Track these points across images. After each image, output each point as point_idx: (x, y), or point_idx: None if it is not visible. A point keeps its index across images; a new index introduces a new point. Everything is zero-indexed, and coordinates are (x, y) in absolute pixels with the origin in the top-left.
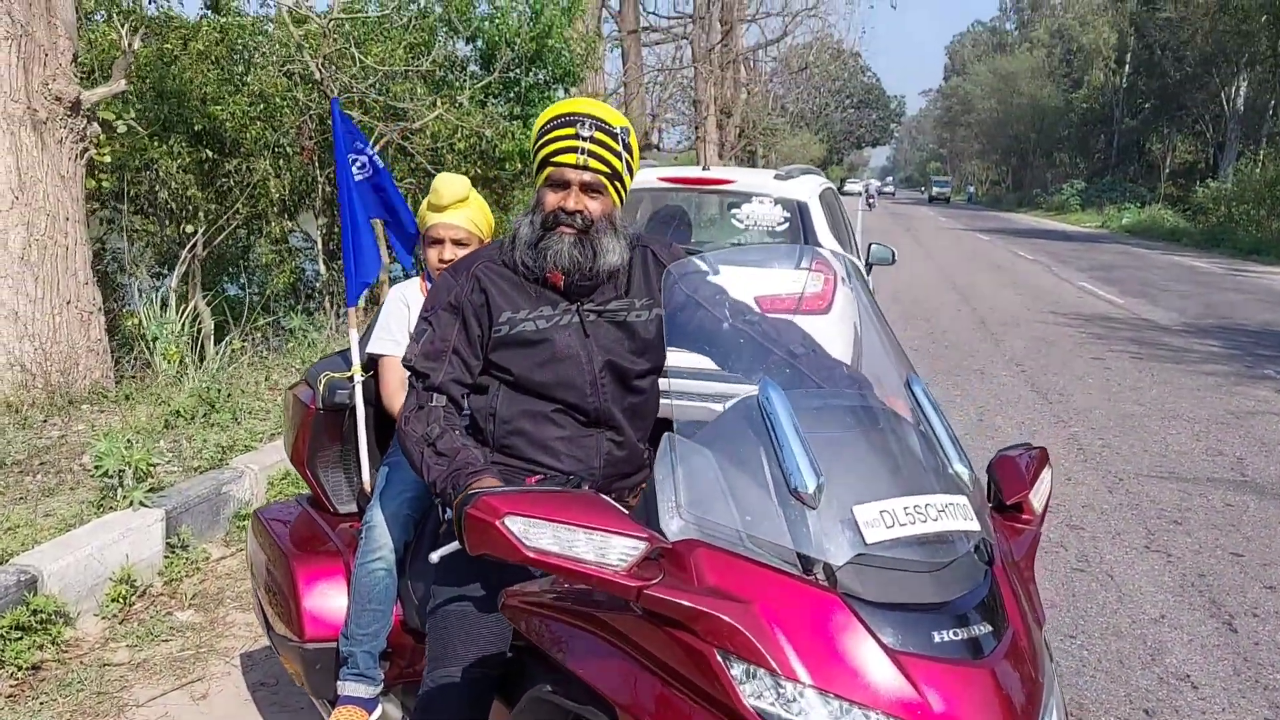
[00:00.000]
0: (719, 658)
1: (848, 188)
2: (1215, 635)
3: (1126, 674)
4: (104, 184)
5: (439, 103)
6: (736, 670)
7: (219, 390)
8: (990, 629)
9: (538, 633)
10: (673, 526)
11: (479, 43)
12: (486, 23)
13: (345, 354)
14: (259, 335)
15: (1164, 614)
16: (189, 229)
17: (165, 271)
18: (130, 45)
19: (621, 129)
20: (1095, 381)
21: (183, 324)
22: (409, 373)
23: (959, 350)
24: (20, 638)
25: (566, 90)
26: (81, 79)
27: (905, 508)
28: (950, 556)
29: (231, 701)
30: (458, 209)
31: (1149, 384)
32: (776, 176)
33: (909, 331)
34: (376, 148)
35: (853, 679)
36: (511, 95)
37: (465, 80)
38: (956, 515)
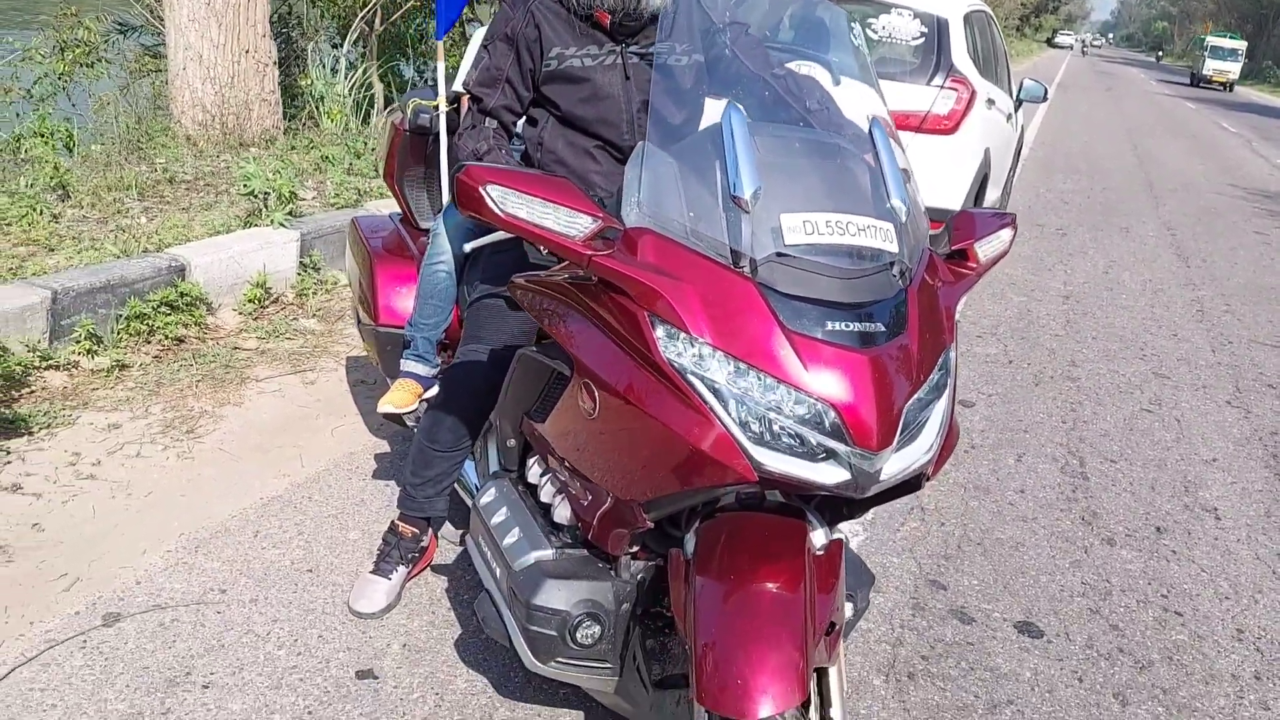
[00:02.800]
0: (647, 318)
1: (1058, 39)
2: (1260, 482)
3: (1154, 498)
4: None
5: None
6: (660, 331)
7: (365, 144)
8: (884, 330)
9: (532, 306)
10: (631, 215)
11: None
12: None
13: (437, 85)
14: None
15: (1216, 458)
16: None
17: (343, 41)
18: None
19: None
20: (1246, 254)
21: (351, 89)
22: (467, 95)
23: (1112, 207)
24: (169, 313)
25: None
26: None
27: (828, 221)
28: (866, 270)
29: (334, 390)
30: None
31: None
32: None
33: (1067, 185)
34: None
35: (750, 346)
36: None
37: None
38: (877, 236)
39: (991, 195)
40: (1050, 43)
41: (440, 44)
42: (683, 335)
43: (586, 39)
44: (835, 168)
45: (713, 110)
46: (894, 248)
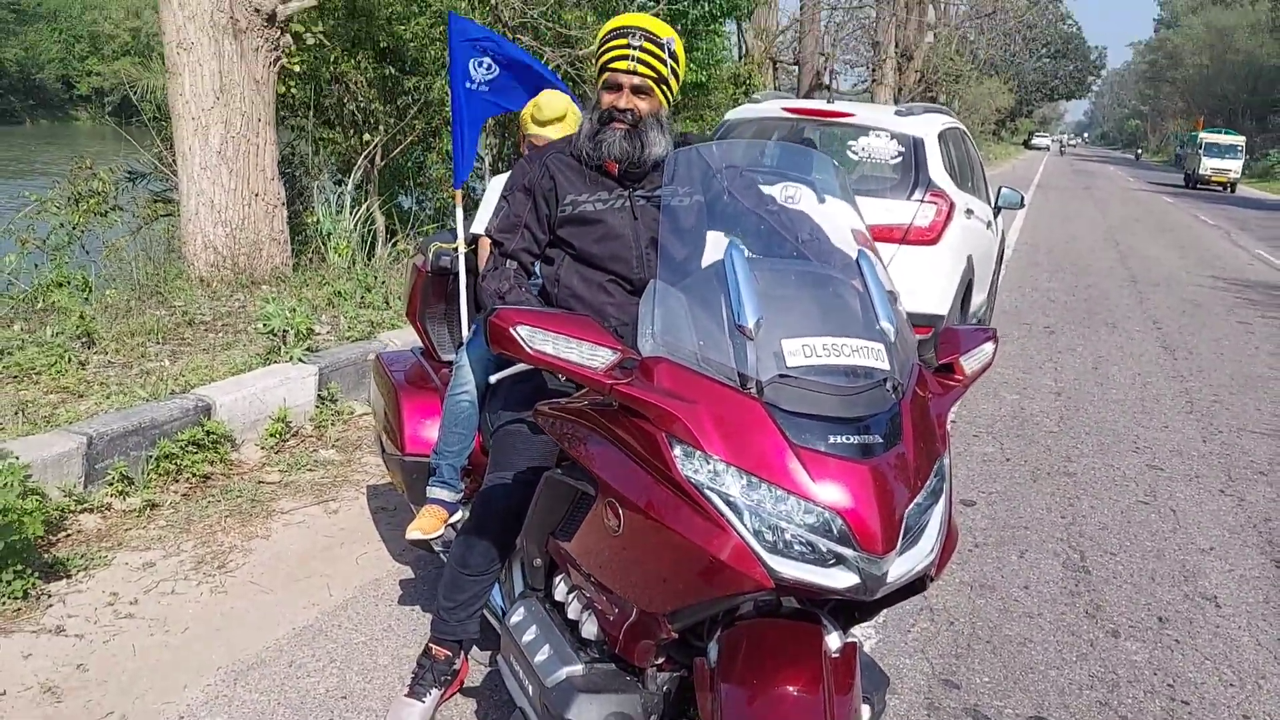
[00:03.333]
0: (665, 439)
1: (1035, 141)
2: (1258, 569)
3: (1154, 588)
4: (294, 91)
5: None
6: (678, 450)
7: (375, 278)
8: (881, 441)
9: (556, 431)
10: (646, 346)
11: None
12: None
13: (455, 230)
14: (423, 240)
15: (1213, 547)
16: (368, 138)
17: (345, 178)
18: None
19: (667, 40)
20: (1231, 344)
21: (355, 224)
22: (490, 240)
23: (1097, 304)
24: (196, 452)
25: (737, 23)
26: None
27: (824, 344)
28: (861, 386)
29: (356, 518)
30: (555, 126)
31: None
32: (897, 112)
33: (1052, 283)
34: None
35: (760, 461)
36: (678, 27)
37: (633, 10)
38: (869, 356)
39: (977, 299)
40: (1027, 144)
41: (458, 192)
42: (698, 453)
43: (597, 185)
44: (828, 295)
45: (714, 243)
46: (885, 365)
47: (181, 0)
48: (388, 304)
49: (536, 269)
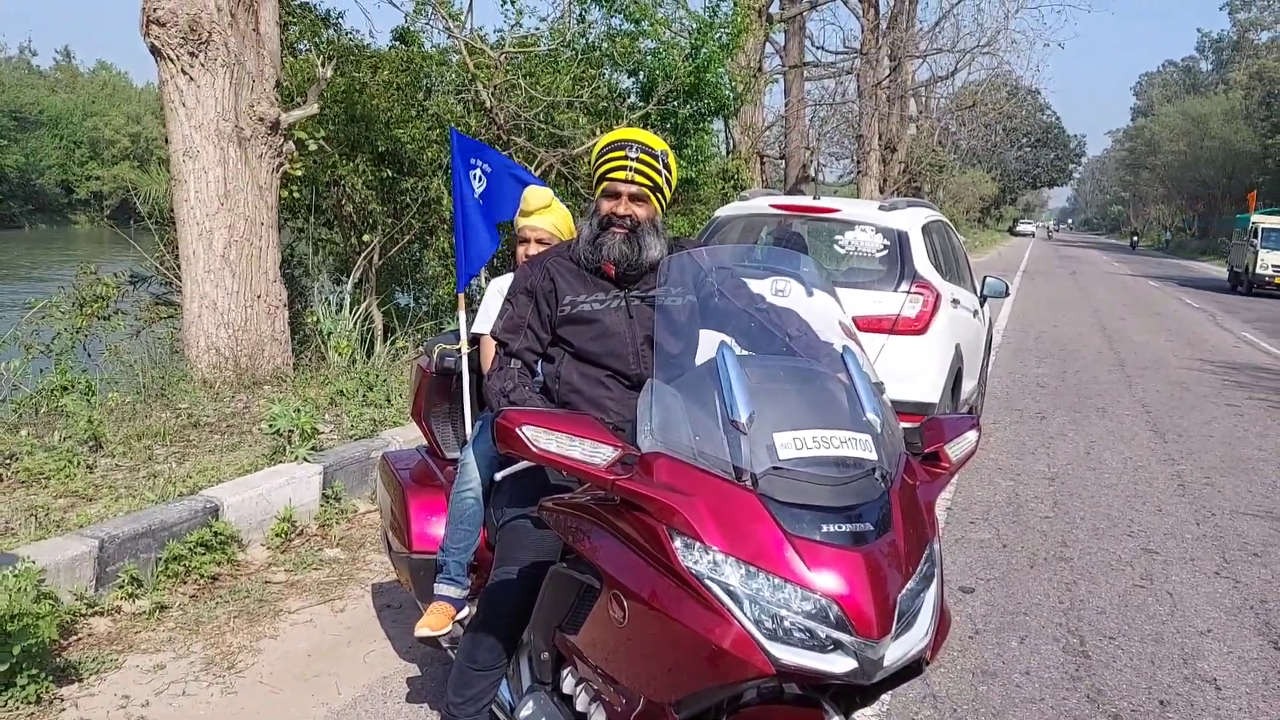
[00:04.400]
0: (666, 532)
1: (1020, 228)
2: (1256, 650)
3: (1154, 671)
4: (296, 195)
5: (598, 132)
6: (678, 542)
7: (377, 376)
8: (873, 529)
9: (560, 526)
10: (645, 442)
11: (640, 75)
12: (649, 57)
13: (455, 331)
14: (421, 337)
15: (1211, 629)
16: (366, 238)
17: (344, 278)
18: (325, 73)
19: (661, 151)
20: (1221, 426)
21: (355, 323)
22: (495, 341)
23: (1087, 389)
24: (204, 553)
25: (725, 120)
26: (281, 102)
27: (814, 436)
28: (851, 476)
29: (363, 616)
30: (542, 214)
31: (1278, 432)
32: (881, 207)
33: (1041, 369)
34: (538, 172)
35: (757, 550)
36: (668, 126)
37: (624, 111)
38: (857, 447)
39: (968, 386)
40: (1012, 231)
41: (461, 295)
42: (698, 545)
43: (595, 287)
44: (816, 389)
45: (706, 340)
46: (873, 455)
47: (189, 110)
48: (389, 401)
49: (539, 367)
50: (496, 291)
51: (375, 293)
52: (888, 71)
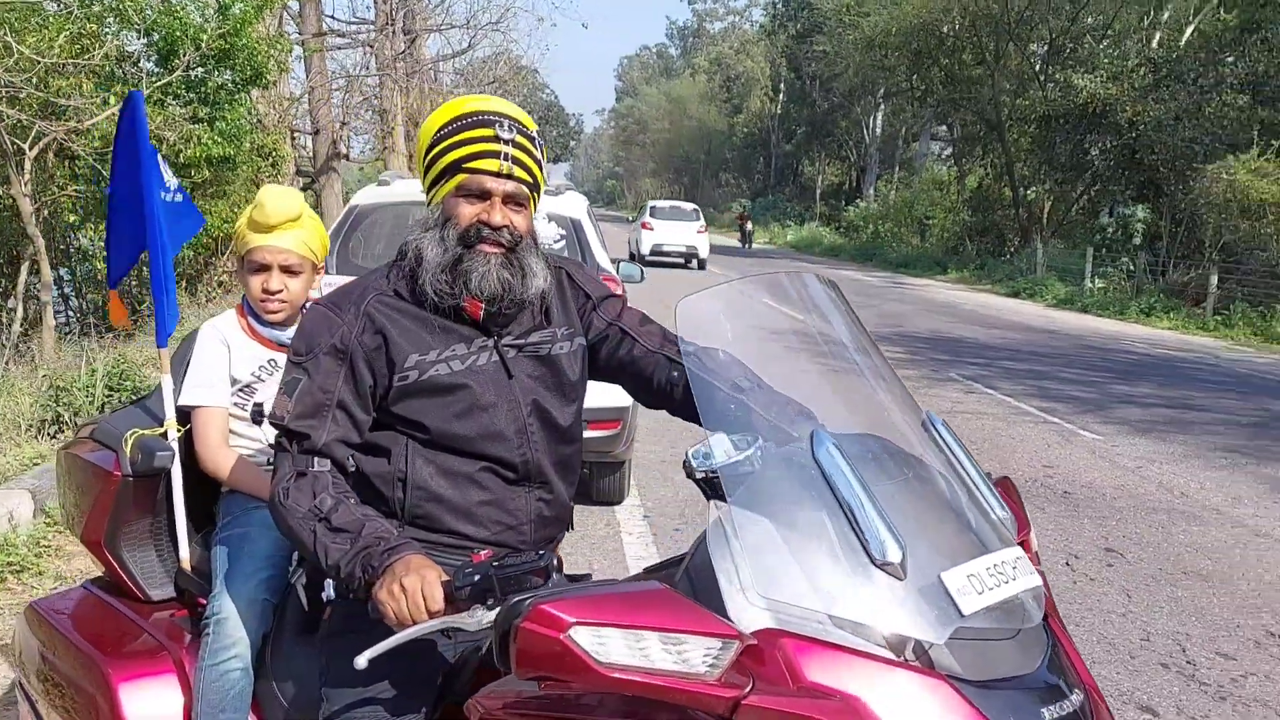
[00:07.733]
0: None
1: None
2: None
3: None
4: None
5: (111, 100)
6: None
7: None
8: (1081, 695)
9: None
10: (745, 616)
11: (154, 37)
12: (163, 16)
13: (144, 404)
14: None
15: None
16: None
17: None
18: None
19: (537, 133)
20: None
21: None
22: (280, 434)
23: None
24: None
25: (262, 91)
26: None
27: (988, 568)
28: (1024, 618)
29: None
30: (288, 230)
31: None
32: (547, 192)
33: None
34: (35, 149)
35: None
36: (194, 96)
37: (140, 78)
38: (1021, 569)
39: None
40: None
41: (164, 352)
42: None
43: (449, 336)
44: (927, 487)
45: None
46: (1037, 579)
47: None
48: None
49: (350, 463)
50: (215, 340)
51: None
52: (404, 46)
